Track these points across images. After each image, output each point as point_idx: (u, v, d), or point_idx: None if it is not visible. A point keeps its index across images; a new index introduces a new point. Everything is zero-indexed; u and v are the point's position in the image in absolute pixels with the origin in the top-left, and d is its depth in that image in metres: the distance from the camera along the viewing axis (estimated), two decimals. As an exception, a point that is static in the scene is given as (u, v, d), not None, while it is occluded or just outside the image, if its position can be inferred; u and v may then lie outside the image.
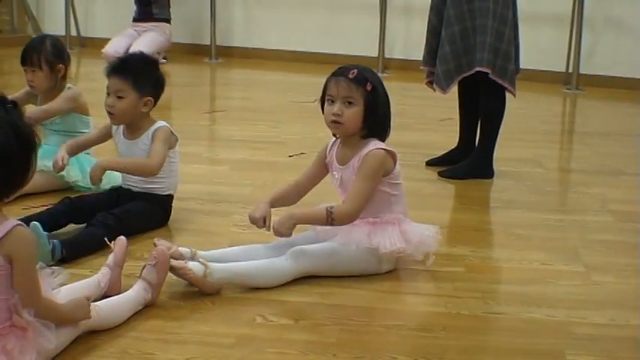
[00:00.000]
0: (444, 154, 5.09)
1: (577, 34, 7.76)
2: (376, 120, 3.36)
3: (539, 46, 7.68)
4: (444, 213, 4.37)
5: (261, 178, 4.66)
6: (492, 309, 3.19)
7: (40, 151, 4.16)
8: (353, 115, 3.34)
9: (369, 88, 3.32)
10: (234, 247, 3.44)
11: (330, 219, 3.31)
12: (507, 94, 4.81)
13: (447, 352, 2.83)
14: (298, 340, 2.89)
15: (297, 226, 3.34)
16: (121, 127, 3.89)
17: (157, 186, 3.84)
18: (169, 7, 8.52)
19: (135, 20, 8.48)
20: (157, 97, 3.84)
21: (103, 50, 7.95)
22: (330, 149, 3.53)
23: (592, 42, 7.96)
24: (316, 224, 3.42)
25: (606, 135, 6.23)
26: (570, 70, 7.91)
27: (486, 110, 4.83)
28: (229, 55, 8.90)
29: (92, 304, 2.80)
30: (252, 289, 3.22)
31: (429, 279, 3.44)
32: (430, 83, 4.93)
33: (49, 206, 3.80)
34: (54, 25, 9.11)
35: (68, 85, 4.45)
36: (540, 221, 4.18)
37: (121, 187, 3.92)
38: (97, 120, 4.29)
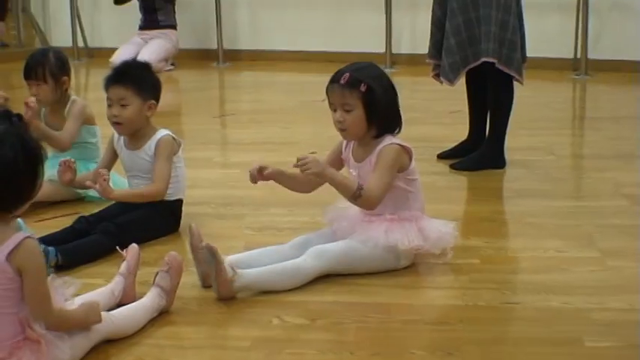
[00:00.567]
0: (455, 147, 5.07)
1: (583, 19, 7.71)
2: (381, 117, 3.34)
3: (545, 33, 7.63)
4: (457, 205, 4.36)
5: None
6: (509, 299, 3.18)
7: (50, 162, 4.25)
8: (354, 120, 3.33)
9: (363, 89, 3.30)
10: (254, 251, 3.42)
11: (358, 194, 3.25)
12: (515, 83, 4.79)
13: (464, 345, 2.81)
14: (315, 339, 2.89)
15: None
16: (122, 138, 3.88)
17: (165, 192, 3.83)
18: (175, 13, 8.52)
19: (141, 28, 8.49)
20: (158, 100, 3.83)
21: (111, 60, 7.94)
22: (347, 146, 3.52)
23: (599, 27, 7.91)
24: (340, 190, 3.31)
25: (617, 119, 6.19)
26: (578, 56, 7.87)
27: (495, 100, 4.81)
28: (237, 58, 8.88)
29: (107, 313, 2.81)
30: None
31: (445, 272, 3.42)
32: (437, 76, 4.91)
33: (61, 217, 3.80)
34: (61, 37, 9.12)
35: (73, 96, 4.44)
36: (554, 209, 4.16)
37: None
38: (105, 130, 4.28)
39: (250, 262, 3.29)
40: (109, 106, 3.77)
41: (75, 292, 2.80)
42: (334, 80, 3.35)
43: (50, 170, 4.22)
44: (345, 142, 3.52)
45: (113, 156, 3.98)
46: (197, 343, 2.86)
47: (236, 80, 8.49)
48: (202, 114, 6.67)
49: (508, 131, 4.87)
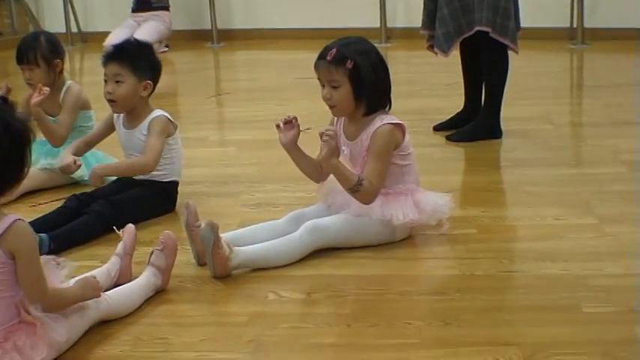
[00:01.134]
0: (451, 118, 5.04)
1: (579, -13, 7.68)
2: (369, 94, 3.30)
3: (541, 3, 7.60)
4: (454, 176, 4.33)
5: (268, 157, 4.61)
6: (507, 268, 3.16)
7: (44, 149, 4.23)
8: (341, 96, 3.29)
9: (349, 65, 3.25)
10: (249, 227, 3.40)
11: (357, 186, 3.23)
12: (510, 53, 4.75)
13: (462, 314, 2.80)
14: (311, 313, 2.88)
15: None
16: (121, 116, 3.87)
17: (158, 173, 3.79)
18: (167, -6, 8.49)
19: (134, 11, 8.45)
20: (155, 81, 3.81)
21: (104, 44, 7.90)
22: (337, 122, 3.49)
23: (594, -5, 7.89)
24: (340, 180, 3.27)
25: (615, 87, 6.16)
26: (575, 26, 7.84)
27: (489, 70, 4.78)
28: (231, 37, 8.85)
29: (103, 294, 2.79)
30: (264, 267, 3.21)
31: (442, 243, 3.40)
32: (431, 47, 4.88)
33: (56, 201, 3.78)
34: (54, 23, 9.08)
35: (68, 81, 4.41)
36: (552, 177, 4.14)
37: (124, 176, 3.90)
38: (100, 114, 4.25)
39: (245, 238, 3.27)
40: (105, 82, 3.77)
41: (68, 274, 2.78)
42: (321, 56, 3.31)
43: (44, 159, 4.23)
44: (335, 117, 3.50)
45: (106, 131, 3.99)
46: (194, 320, 2.85)
47: (231, 60, 8.46)
48: (198, 94, 6.64)
49: (504, 101, 4.84)
